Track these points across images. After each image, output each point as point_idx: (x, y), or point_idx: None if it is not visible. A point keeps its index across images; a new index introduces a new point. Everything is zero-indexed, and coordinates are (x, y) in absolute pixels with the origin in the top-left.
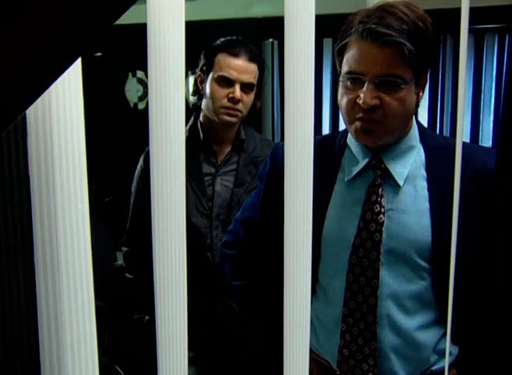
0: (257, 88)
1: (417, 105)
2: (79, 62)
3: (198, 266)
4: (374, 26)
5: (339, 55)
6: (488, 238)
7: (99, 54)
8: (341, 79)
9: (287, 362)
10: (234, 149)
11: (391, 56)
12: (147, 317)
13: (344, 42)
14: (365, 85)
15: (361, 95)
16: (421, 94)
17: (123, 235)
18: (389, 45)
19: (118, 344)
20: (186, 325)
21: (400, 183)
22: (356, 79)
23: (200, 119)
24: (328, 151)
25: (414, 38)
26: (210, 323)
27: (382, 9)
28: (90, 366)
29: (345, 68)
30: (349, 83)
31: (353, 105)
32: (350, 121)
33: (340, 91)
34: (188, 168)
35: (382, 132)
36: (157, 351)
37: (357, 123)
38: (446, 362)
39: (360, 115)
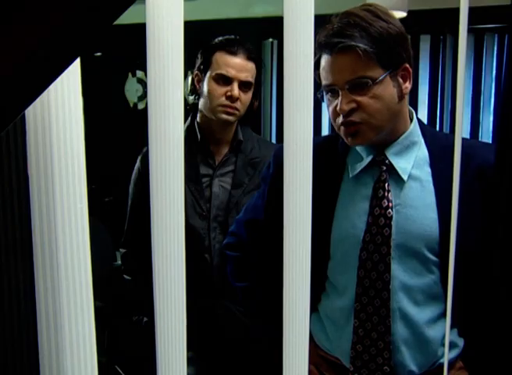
0: (254, 88)
1: (403, 97)
2: (78, 61)
3: (196, 267)
4: (325, 38)
5: (316, 69)
6: (492, 231)
7: (99, 54)
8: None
9: (287, 361)
10: (232, 150)
11: (350, 61)
12: (145, 319)
13: (317, 57)
14: (339, 93)
15: (338, 103)
16: (407, 85)
17: (123, 235)
18: (345, 51)
19: (118, 344)
20: (185, 325)
21: (404, 177)
22: (332, 90)
23: (198, 119)
24: (332, 151)
25: (372, 37)
26: (209, 324)
27: (338, 21)
28: (89, 366)
29: (322, 81)
30: (329, 94)
31: (336, 113)
32: (338, 128)
33: (326, 102)
34: (185, 169)
35: (368, 130)
36: (156, 351)
37: (342, 128)
38: (446, 358)
39: (342, 120)
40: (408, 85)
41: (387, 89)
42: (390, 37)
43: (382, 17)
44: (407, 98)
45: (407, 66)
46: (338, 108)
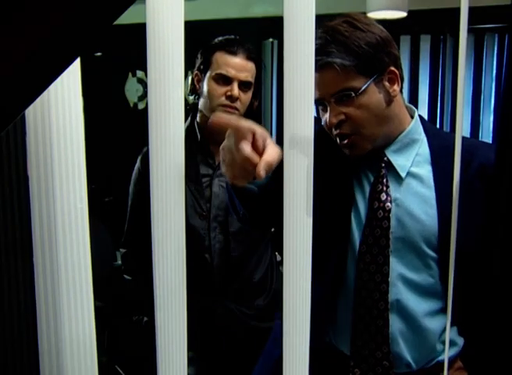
0: (254, 88)
1: (391, 101)
2: (78, 62)
3: (196, 267)
4: None
5: None
6: (493, 230)
7: (99, 54)
8: None
9: (287, 361)
10: None
11: (331, 76)
12: (145, 319)
13: None
14: (327, 107)
15: (327, 117)
16: (395, 87)
17: (123, 235)
18: (324, 67)
19: (118, 344)
20: (185, 325)
21: (402, 175)
22: (321, 103)
23: (197, 119)
24: (334, 147)
25: (350, 50)
26: (209, 324)
27: (318, 37)
28: (89, 366)
29: None
30: (320, 108)
31: (328, 126)
32: (336, 140)
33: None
34: (186, 169)
35: (362, 141)
36: (156, 351)
37: (338, 140)
38: (446, 356)
39: (334, 132)
40: (396, 87)
41: (373, 97)
42: (369, 45)
43: (360, 27)
44: (400, 98)
45: (393, 68)
46: (327, 121)
